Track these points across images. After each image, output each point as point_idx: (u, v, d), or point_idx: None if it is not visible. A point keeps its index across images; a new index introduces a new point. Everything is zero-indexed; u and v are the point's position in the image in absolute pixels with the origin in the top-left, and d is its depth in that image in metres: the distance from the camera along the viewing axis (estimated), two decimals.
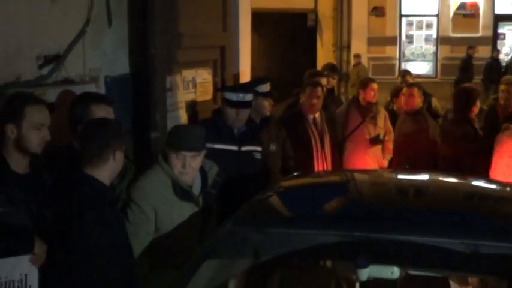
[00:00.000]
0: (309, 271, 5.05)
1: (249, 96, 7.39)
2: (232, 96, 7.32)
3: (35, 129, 5.23)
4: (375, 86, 10.76)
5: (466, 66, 24.29)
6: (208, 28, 9.22)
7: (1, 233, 4.99)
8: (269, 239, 4.86)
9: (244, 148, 7.28)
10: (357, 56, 24.92)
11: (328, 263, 4.87)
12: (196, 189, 5.81)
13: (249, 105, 7.43)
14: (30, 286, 5.04)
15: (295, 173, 6.68)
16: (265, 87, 8.06)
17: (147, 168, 5.79)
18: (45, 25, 6.69)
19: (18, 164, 5.28)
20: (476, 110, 9.86)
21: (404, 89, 10.24)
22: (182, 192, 5.67)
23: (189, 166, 5.62)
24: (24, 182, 5.27)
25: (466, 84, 12.21)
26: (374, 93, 10.65)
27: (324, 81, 10.57)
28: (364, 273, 4.54)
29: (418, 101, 10.06)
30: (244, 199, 5.36)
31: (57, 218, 5.16)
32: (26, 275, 5.02)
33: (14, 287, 4.98)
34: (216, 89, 8.18)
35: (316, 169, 8.75)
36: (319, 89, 9.33)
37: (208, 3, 9.23)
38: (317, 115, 9.20)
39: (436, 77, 27.88)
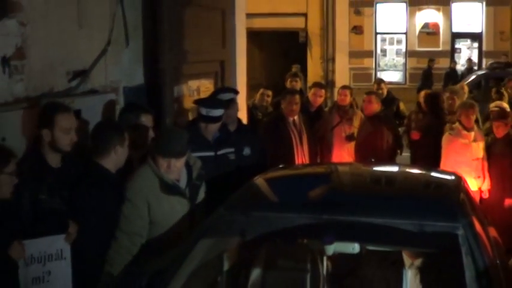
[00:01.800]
0: (286, 248, 5.05)
1: (217, 112, 6.85)
2: (202, 111, 6.89)
3: (65, 133, 5.35)
4: (346, 92, 10.77)
5: (426, 76, 24.26)
6: (210, 45, 9.16)
7: (42, 216, 5.11)
8: (253, 221, 4.89)
9: (219, 152, 6.96)
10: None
11: (302, 241, 4.86)
12: (183, 183, 5.57)
13: (218, 120, 6.89)
14: (65, 258, 5.19)
15: (280, 166, 6.66)
16: (228, 96, 7.56)
17: (137, 169, 5.56)
18: (74, 46, 6.68)
19: (53, 160, 5.40)
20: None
21: (364, 96, 10.14)
22: (169, 187, 5.42)
23: (173, 166, 5.41)
24: (58, 174, 5.38)
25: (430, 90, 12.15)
26: (345, 98, 10.68)
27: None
28: (330, 249, 4.58)
29: (375, 106, 9.92)
30: (223, 196, 5.29)
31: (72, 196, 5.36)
32: (61, 250, 5.18)
33: (52, 259, 5.13)
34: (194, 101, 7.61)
35: (296, 162, 8.71)
36: (297, 96, 9.32)
37: (210, 24, 9.17)
38: (296, 117, 9.11)
39: (405, 84, 27.82)
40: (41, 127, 5.35)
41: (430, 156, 9.32)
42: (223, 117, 6.98)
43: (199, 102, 7.19)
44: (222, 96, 7.47)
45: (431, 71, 24.49)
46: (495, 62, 20.90)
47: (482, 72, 19.62)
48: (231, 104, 7.49)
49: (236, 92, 8.15)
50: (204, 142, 6.85)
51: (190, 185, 5.62)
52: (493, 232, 5.79)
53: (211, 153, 6.88)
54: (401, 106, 13.02)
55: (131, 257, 5.27)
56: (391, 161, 9.45)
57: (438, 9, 27.66)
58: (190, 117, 8.36)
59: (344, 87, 11.24)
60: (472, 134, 8.94)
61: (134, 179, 5.44)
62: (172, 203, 5.43)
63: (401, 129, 11.04)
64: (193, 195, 5.62)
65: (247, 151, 7.32)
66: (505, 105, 10.54)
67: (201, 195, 5.77)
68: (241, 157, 7.15)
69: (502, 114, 9.27)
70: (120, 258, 5.26)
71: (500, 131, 8.89)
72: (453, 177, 5.95)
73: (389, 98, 12.91)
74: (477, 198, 8.20)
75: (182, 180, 5.57)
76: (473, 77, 19.32)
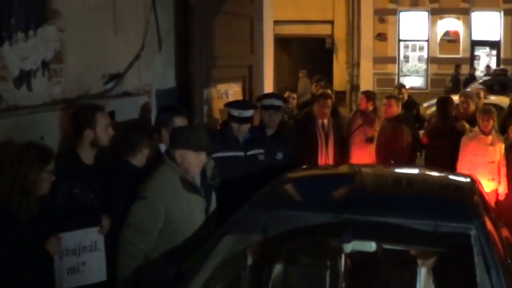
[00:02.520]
0: (307, 245, 5.05)
1: (248, 113, 6.88)
2: (234, 112, 6.87)
3: (105, 130, 5.51)
4: (363, 97, 10.76)
5: (455, 81, 24.15)
6: (238, 51, 9.17)
7: (76, 210, 5.20)
8: (276, 218, 4.89)
9: (249, 153, 6.90)
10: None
11: (322, 239, 4.86)
12: (197, 182, 5.46)
13: (249, 121, 6.92)
14: (99, 249, 5.26)
15: (304, 166, 6.66)
16: (269, 102, 7.53)
17: (156, 169, 5.32)
18: (109, 50, 6.73)
19: (87, 157, 5.49)
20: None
21: (384, 100, 10.10)
22: (190, 186, 5.28)
23: (202, 161, 5.33)
24: (91, 170, 5.48)
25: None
26: (362, 103, 10.70)
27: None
28: (349, 247, 4.57)
29: (395, 109, 9.89)
30: (252, 195, 5.25)
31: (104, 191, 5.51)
32: (95, 242, 5.24)
33: (86, 251, 5.20)
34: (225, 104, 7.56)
35: (319, 163, 8.69)
36: (329, 100, 9.32)
37: (238, 30, 9.19)
38: (326, 121, 9.12)
39: (427, 89, 27.71)
40: (83, 128, 5.45)
41: (438, 157, 9.27)
42: (253, 118, 7.05)
43: (231, 104, 7.21)
44: (275, 102, 7.52)
45: (459, 77, 24.36)
46: (499, 69, 20.83)
47: (486, 78, 19.49)
48: (278, 111, 7.51)
49: (285, 101, 8.30)
50: (235, 142, 6.86)
51: (205, 184, 5.54)
52: (506, 233, 5.75)
53: (241, 154, 6.86)
54: (421, 110, 12.99)
55: (141, 256, 5.16)
56: (410, 163, 9.41)
57: (458, 18, 27.54)
58: (219, 119, 8.38)
59: (362, 92, 11.22)
60: (490, 137, 8.91)
61: (153, 179, 5.26)
62: (191, 202, 5.30)
63: (421, 133, 10.97)
64: (208, 195, 5.51)
65: (279, 155, 7.26)
66: None
67: (213, 202, 5.67)
68: (272, 160, 7.09)
69: None
70: (130, 259, 5.15)
71: None
72: (468, 180, 5.91)
73: (410, 102, 12.87)
74: (493, 200, 8.15)
75: (196, 180, 5.46)
76: (477, 82, 19.19)
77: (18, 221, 4.61)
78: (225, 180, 6.31)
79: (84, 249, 5.19)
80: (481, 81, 18.88)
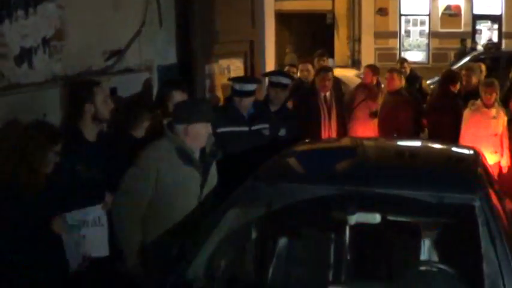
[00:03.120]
0: (311, 217, 5.04)
1: (250, 86, 6.81)
2: (236, 86, 6.82)
3: (104, 103, 5.50)
4: (369, 71, 10.76)
5: (460, 55, 23.99)
6: (240, 26, 9.12)
7: (79, 187, 5.18)
8: (279, 191, 4.89)
9: (254, 127, 6.84)
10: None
11: (326, 211, 4.84)
12: (197, 157, 5.30)
13: (251, 94, 6.81)
14: (102, 225, 5.31)
15: (307, 140, 6.65)
16: (277, 79, 7.51)
17: (155, 141, 5.29)
18: (110, 28, 6.74)
19: (90, 134, 5.49)
20: (457, 87, 9.86)
21: (387, 74, 10.11)
22: (187, 157, 5.17)
23: (208, 131, 5.29)
24: (94, 147, 5.47)
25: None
26: (367, 77, 10.70)
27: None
28: (353, 219, 4.56)
29: (397, 83, 9.96)
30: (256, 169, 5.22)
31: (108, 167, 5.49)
32: (98, 217, 5.29)
33: (88, 225, 5.23)
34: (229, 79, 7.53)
35: (322, 136, 8.67)
36: (330, 73, 9.26)
37: (239, 5, 9.15)
38: (327, 94, 9.06)
39: (428, 63, 27.63)
40: (83, 103, 5.44)
41: (441, 131, 9.33)
42: (256, 93, 6.98)
43: (234, 79, 7.22)
44: (282, 80, 7.49)
45: (465, 51, 24.25)
46: (491, 42, 20.72)
47: (478, 52, 19.31)
48: (285, 89, 7.49)
49: (292, 78, 8.29)
50: (239, 117, 6.82)
51: (203, 160, 5.37)
52: (509, 204, 5.75)
53: (246, 128, 6.83)
54: (424, 84, 12.99)
55: (135, 219, 5.14)
56: (413, 135, 9.42)
57: None
58: (221, 95, 8.38)
59: (367, 66, 11.22)
60: (493, 110, 8.89)
61: (148, 148, 5.24)
62: (185, 175, 5.18)
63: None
64: (205, 171, 5.35)
65: (282, 132, 7.24)
66: None
67: (213, 179, 5.53)
68: (275, 136, 7.08)
69: None
70: (124, 223, 5.14)
71: None
72: (472, 152, 5.91)
73: (412, 76, 12.82)
74: (495, 173, 8.15)
75: (196, 155, 5.32)
76: (468, 57, 19.00)
77: (24, 198, 4.62)
78: (229, 155, 6.29)
79: (86, 224, 5.22)
80: (470, 56, 18.65)
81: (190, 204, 5.23)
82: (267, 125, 6.97)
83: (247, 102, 6.83)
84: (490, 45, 19.57)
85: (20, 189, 4.62)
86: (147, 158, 5.15)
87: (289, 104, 8.33)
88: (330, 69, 9.64)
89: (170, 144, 5.19)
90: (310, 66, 10.70)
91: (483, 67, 11.76)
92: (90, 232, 5.23)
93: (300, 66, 10.95)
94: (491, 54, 17.89)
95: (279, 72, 8.26)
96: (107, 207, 5.30)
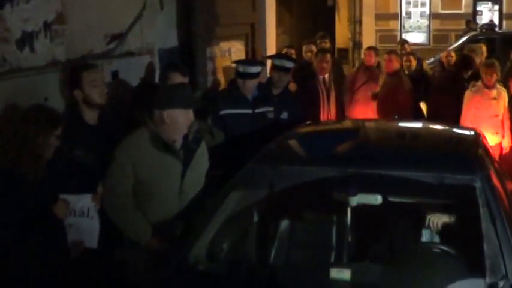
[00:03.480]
0: (312, 199, 5.06)
1: (253, 69, 6.77)
2: (240, 68, 6.78)
3: (93, 87, 5.40)
4: (372, 53, 10.75)
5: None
6: (241, 8, 9.13)
7: (75, 171, 5.11)
8: (281, 174, 4.90)
9: (257, 110, 6.81)
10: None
11: (327, 193, 4.85)
12: (178, 144, 5.13)
13: (254, 77, 6.78)
14: (92, 217, 5.09)
15: (308, 122, 6.67)
16: (280, 62, 7.49)
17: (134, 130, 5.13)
18: (111, 11, 6.72)
19: (90, 117, 5.45)
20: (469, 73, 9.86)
21: (385, 55, 10.12)
22: (164, 145, 5.01)
23: (189, 119, 5.08)
24: (94, 130, 5.42)
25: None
26: (370, 59, 10.68)
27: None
28: (354, 200, 4.58)
29: (395, 64, 10.02)
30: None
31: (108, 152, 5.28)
32: (87, 208, 5.07)
33: (75, 215, 5.02)
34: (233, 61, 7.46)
35: (322, 118, 8.67)
36: (328, 55, 9.23)
37: None
38: (326, 76, 9.03)
39: (429, 45, 27.52)
40: (72, 89, 5.43)
41: (442, 111, 9.37)
42: (259, 75, 6.97)
43: (238, 61, 7.19)
44: (286, 63, 7.47)
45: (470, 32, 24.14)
46: (486, 24, 20.63)
47: (473, 33, 19.17)
48: (288, 72, 7.49)
49: (295, 62, 8.23)
50: (243, 99, 6.80)
51: (185, 147, 5.19)
52: (510, 186, 5.76)
53: (249, 111, 6.80)
54: (425, 65, 12.94)
55: (131, 206, 5.06)
56: (413, 117, 9.46)
57: None
58: (223, 77, 8.38)
59: (369, 48, 11.21)
60: (494, 91, 8.91)
61: (122, 142, 5.07)
62: (163, 163, 5.03)
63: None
64: (187, 159, 5.17)
65: (284, 115, 7.23)
66: None
67: (200, 166, 5.37)
68: (278, 119, 7.08)
69: None
70: (123, 216, 5.07)
71: None
72: (472, 133, 5.93)
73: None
74: (497, 154, 8.16)
75: (177, 143, 5.16)
76: (464, 39, 18.87)
77: (26, 182, 4.60)
78: (233, 137, 6.30)
79: (73, 213, 5.00)
80: (466, 37, 18.53)
81: (170, 192, 5.08)
82: (271, 108, 6.97)
83: (251, 84, 6.80)
84: (485, 27, 19.45)
85: (22, 175, 4.60)
86: (120, 153, 5.01)
87: (291, 87, 8.32)
88: (328, 51, 9.63)
89: (146, 133, 5.05)
90: (313, 47, 10.65)
91: (484, 48, 11.75)
92: (75, 222, 5.02)
93: (304, 48, 10.90)
94: (486, 35, 17.82)
95: (282, 55, 8.25)
96: (98, 199, 5.13)
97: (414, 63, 11.15)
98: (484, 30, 18.78)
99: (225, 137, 6.57)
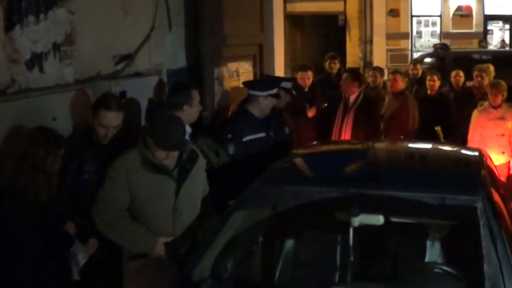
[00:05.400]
0: (316, 220, 5.09)
1: (275, 90, 6.75)
2: (286, 85, 6.93)
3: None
4: (376, 73, 10.88)
5: None
6: (249, 29, 9.18)
7: (83, 187, 5.22)
8: (284, 194, 4.92)
9: (270, 131, 6.79)
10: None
11: (330, 213, 4.89)
12: (172, 164, 5.12)
13: (277, 96, 6.81)
14: (76, 262, 5.05)
15: (314, 142, 6.72)
16: (288, 85, 7.51)
17: (127, 151, 5.14)
18: (120, 32, 6.81)
19: (103, 135, 5.45)
20: None
21: (390, 75, 10.17)
22: (154, 167, 5.02)
23: (172, 156, 5.10)
24: (105, 149, 5.40)
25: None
26: (375, 80, 10.91)
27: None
28: (356, 220, 4.60)
29: (400, 84, 10.00)
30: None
31: None
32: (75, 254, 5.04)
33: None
34: (244, 84, 7.35)
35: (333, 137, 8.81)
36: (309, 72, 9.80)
37: (248, 9, 9.18)
38: (352, 97, 8.99)
39: None
40: (97, 107, 5.45)
41: None
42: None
43: (251, 85, 7.04)
44: (285, 85, 7.45)
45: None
46: (440, 43, 20.88)
47: (427, 52, 19.27)
48: (290, 93, 7.54)
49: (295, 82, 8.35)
50: (257, 123, 6.73)
51: (180, 166, 5.18)
52: None
53: (263, 134, 6.76)
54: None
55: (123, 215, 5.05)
56: (416, 136, 9.48)
57: None
58: (230, 98, 8.41)
59: (374, 68, 11.25)
60: (500, 111, 8.93)
61: (118, 158, 5.09)
62: (155, 184, 5.05)
63: None
64: (181, 178, 5.15)
65: (287, 130, 7.26)
66: None
67: (196, 186, 5.35)
68: (280, 136, 7.05)
69: None
70: (115, 226, 5.03)
71: None
72: (476, 154, 5.95)
73: (423, 78, 12.81)
74: (504, 174, 8.16)
75: (171, 162, 5.14)
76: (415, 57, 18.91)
77: (40, 203, 4.66)
78: (252, 162, 6.24)
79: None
80: (417, 56, 18.57)
81: (164, 212, 5.08)
82: (274, 127, 6.93)
83: (267, 109, 6.79)
84: (438, 46, 19.67)
85: (36, 196, 4.64)
86: (114, 171, 5.04)
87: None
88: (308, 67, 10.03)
89: (137, 155, 5.06)
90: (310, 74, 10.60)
91: (492, 68, 11.78)
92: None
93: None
94: (438, 54, 17.98)
95: (286, 78, 8.35)
96: (89, 254, 5.11)
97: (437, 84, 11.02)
98: (438, 50, 18.94)
99: (246, 162, 6.43)
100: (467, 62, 14.40)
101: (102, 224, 5.04)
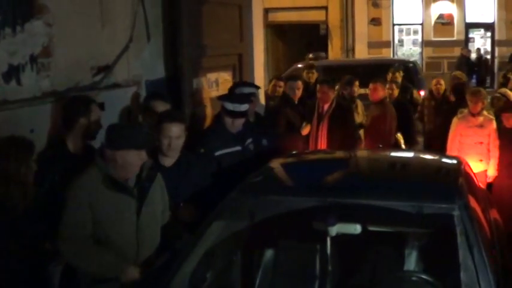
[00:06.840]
0: (293, 229, 5.11)
1: (243, 107, 6.65)
2: (229, 106, 6.61)
3: (97, 122, 5.71)
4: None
5: (460, 64, 23.87)
6: (228, 39, 9.17)
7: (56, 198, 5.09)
8: (262, 204, 4.96)
9: (245, 145, 6.75)
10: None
11: (307, 222, 4.91)
12: (132, 182, 4.95)
13: (244, 115, 6.73)
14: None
15: (292, 152, 6.75)
16: (248, 90, 7.52)
17: (86, 168, 4.92)
18: (98, 43, 6.80)
19: (76, 147, 5.64)
20: None
21: (370, 84, 10.18)
22: (116, 185, 4.82)
23: (140, 159, 4.91)
24: (78, 159, 5.43)
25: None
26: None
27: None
28: (334, 230, 4.63)
29: (380, 93, 10.02)
30: None
31: None
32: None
33: None
34: (218, 98, 7.22)
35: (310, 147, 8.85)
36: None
37: (227, 19, 9.19)
38: (326, 105, 9.13)
39: (421, 72, 27.70)
40: (77, 116, 5.57)
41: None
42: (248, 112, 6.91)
43: (224, 98, 6.94)
44: (243, 90, 7.47)
45: (464, 59, 24.22)
46: (314, 53, 21.27)
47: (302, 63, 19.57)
48: (253, 98, 7.51)
49: (257, 87, 8.18)
50: (230, 137, 6.68)
51: (139, 185, 5.01)
52: (494, 214, 5.84)
53: (239, 148, 6.73)
54: (415, 94, 13.08)
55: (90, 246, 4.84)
56: (397, 146, 9.58)
57: (452, 1, 27.37)
58: (209, 108, 8.42)
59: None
60: (479, 119, 8.99)
61: (78, 177, 4.86)
62: (117, 203, 4.86)
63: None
64: (141, 196, 4.98)
65: (264, 141, 7.20)
66: (509, 92, 10.65)
67: (156, 204, 5.19)
68: (259, 147, 7.02)
69: (510, 106, 9.31)
70: (84, 251, 4.83)
71: (510, 122, 8.68)
72: (454, 161, 6.00)
73: (403, 86, 12.85)
74: (483, 181, 8.20)
75: (131, 180, 4.98)
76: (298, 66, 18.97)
77: (17, 214, 4.65)
78: (226, 176, 6.18)
79: None
80: (299, 65, 18.63)
81: (126, 231, 4.90)
82: (251, 139, 6.91)
83: (240, 122, 6.74)
84: (312, 56, 20.01)
85: (13, 206, 4.64)
86: (77, 187, 4.83)
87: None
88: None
89: (97, 174, 4.86)
90: (281, 83, 10.49)
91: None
92: None
93: (273, 81, 10.88)
94: (310, 64, 18.31)
95: (247, 83, 8.27)
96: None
97: (396, 92, 11.07)
98: (310, 60, 19.23)
99: (218, 176, 6.31)
100: (335, 71, 14.54)
101: (70, 254, 4.87)
